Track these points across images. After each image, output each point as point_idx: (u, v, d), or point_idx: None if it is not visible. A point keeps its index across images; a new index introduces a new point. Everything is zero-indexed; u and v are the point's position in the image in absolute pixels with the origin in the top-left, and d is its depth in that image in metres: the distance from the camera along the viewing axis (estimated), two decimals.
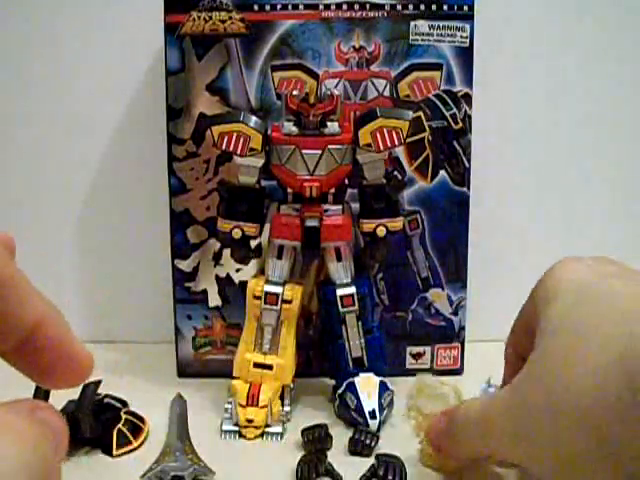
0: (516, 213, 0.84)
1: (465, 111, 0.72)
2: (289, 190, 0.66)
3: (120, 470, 0.59)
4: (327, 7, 0.70)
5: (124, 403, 0.65)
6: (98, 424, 0.61)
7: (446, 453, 0.55)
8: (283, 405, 0.66)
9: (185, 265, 0.74)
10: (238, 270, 0.74)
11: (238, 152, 0.64)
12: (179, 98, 0.71)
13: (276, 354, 0.67)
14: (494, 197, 0.82)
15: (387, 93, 0.72)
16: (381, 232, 0.66)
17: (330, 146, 0.64)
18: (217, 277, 0.75)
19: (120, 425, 0.62)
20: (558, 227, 0.84)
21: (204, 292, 0.75)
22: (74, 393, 0.59)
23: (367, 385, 0.66)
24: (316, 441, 0.60)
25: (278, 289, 0.66)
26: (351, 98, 0.72)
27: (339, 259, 0.67)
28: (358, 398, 0.65)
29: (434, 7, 0.70)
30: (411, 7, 0.70)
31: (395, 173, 0.73)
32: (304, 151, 0.64)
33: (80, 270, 0.84)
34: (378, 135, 0.64)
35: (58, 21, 0.78)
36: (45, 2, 0.78)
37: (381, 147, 0.64)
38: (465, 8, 0.70)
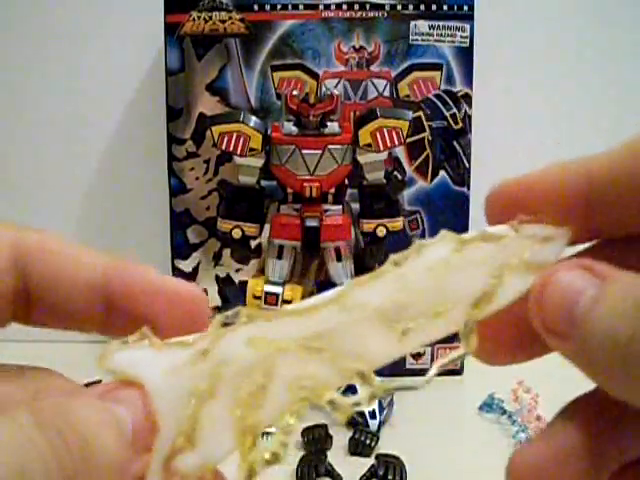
0: None
1: (465, 111, 0.72)
2: (289, 190, 0.66)
3: None
4: (327, 7, 0.70)
5: None
6: None
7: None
8: None
9: (185, 265, 0.74)
10: (238, 270, 0.74)
11: (238, 152, 0.64)
12: (179, 98, 0.71)
13: None
14: None
15: (387, 93, 0.72)
16: (381, 232, 0.66)
17: (330, 146, 0.64)
18: (217, 277, 0.75)
19: None
20: None
21: (204, 292, 0.75)
22: None
23: None
24: (316, 441, 0.60)
25: (278, 289, 0.66)
26: (351, 98, 0.72)
27: (339, 259, 0.67)
28: None
29: (434, 7, 0.70)
30: (411, 7, 0.70)
31: (395, 173, 0.73)
32: (304, 151, 0.64)
33: None
34: (378, 135, 0.64)
35: (58, 21, 0.78)
36: (45, 2, 0.78)
37: (381, 147, 0.64)
38: (465, 8, 0.70)
